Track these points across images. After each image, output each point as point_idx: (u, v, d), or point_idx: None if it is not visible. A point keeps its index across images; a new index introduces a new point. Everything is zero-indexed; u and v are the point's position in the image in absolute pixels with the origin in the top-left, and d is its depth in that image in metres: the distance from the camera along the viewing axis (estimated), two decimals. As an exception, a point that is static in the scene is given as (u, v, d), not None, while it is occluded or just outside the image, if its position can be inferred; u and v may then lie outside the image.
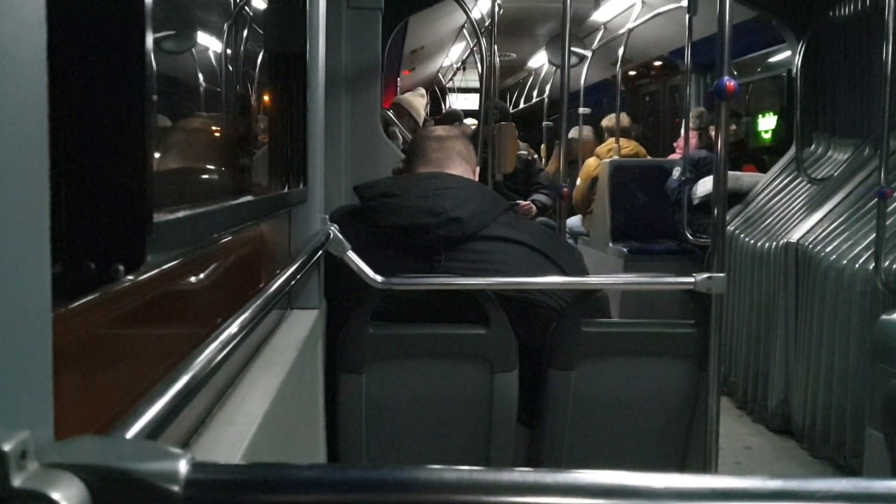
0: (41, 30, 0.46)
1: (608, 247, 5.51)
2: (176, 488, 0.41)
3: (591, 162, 6.32)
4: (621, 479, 0.45)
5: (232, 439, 0.92)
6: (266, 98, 1.48)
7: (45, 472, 0.40)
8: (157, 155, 0.78)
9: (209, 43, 1.10)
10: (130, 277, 0.73)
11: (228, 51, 1.16)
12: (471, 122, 6.26)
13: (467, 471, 0.44)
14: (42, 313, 0.46)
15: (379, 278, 1.79)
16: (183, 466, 0.42)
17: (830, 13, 4.27)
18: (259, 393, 1.09)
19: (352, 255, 1.79)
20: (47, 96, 0.47)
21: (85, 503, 0.40)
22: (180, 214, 0.76)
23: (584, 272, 2.06)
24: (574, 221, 6.39)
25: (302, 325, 1.55)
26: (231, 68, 1.18)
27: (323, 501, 0.43)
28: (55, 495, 0.38)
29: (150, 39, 0.60)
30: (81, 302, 0.63)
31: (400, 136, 4.53)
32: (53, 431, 0.46)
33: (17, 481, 0.38)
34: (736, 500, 0.46)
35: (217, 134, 1.14)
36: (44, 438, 0.44)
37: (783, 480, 0.47)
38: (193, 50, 1.03)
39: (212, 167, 1.09)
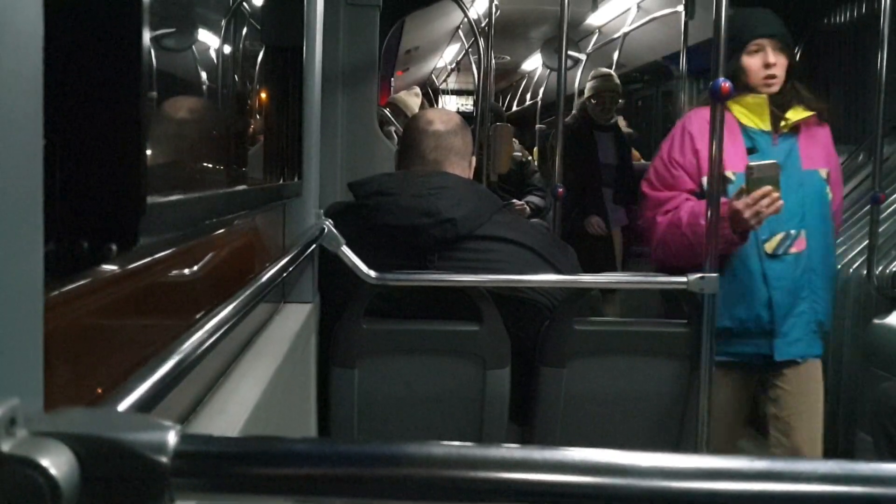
0: (37, 6, 0.46)
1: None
2: (164, 459, 0.42)
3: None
4: (608, 458, 0.46)
5: (222, 427, 0.92)
6: (263, 91, 1.48)
7: (34, 440, 0.40)
8: (153, 142, 0.78)
9: (207, 33, 1.10)
10: (125, 263, 0.73)
11: (226, 42, 1.17)
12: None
13: (455, 446, 0.44)
14: (34, 288, 0.47)
15: (373, 274, 1.79)
16: (172, 438, 0.42)
17: (826, 20, 4.29)
18: (251, 383, 1.09)
19: (346, 250, 1.79)
20: (42, 75, 0.47)
21: (73, 471, 0.40)
22: (174, 198, 0.76)
23: (577, 271, 2.06)
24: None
25: (295, 318, 1.55)
26: (228, 60, 1.18)
27: (312, 475, 0.44)
28: (43, 462, 0.38)
29: (146, 21, 0.61)
30: (77, 283, 0.63)
31: (395, 137, 4.53)
32: (43, 402, 0.46)
33: (5, 447, 0.38)
34: (722, 479, 0.46)
35: (213, 124, 1.15)
36: (33, 408, 0.44)
37: (769, 461, 0.47)
38: (192, 40, 1.03)
39: (207, 156, 1.09)
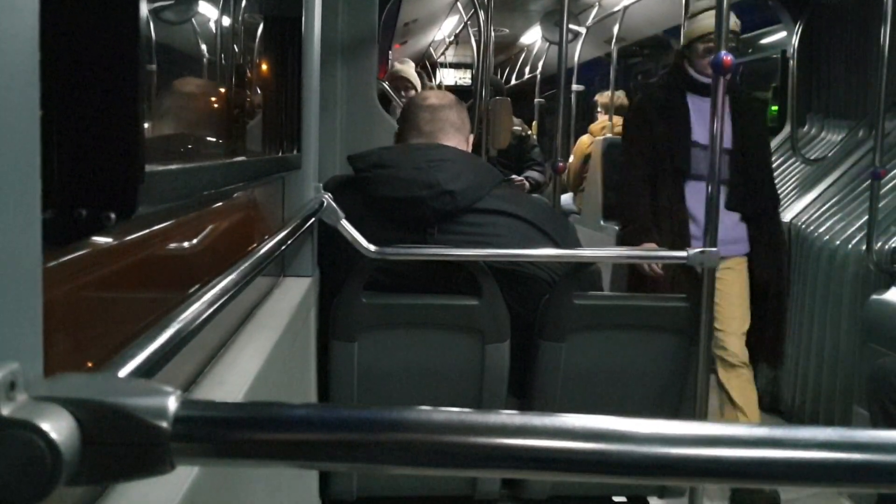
0: None
1: (599, 225, 5.50)
2: (164, 424, 0.42)
3: (585, 139, 6.30)
4: (609, 424, 0.46)
5: (222, 397, 0.92)
6: (262, 63, 1.47)
7: (34, 404, 0.40)
8: (151, 112, 0.77)
9: (205, 3, 1.09)
10: (125, 232, 0.73)
11: (224, 12, 1.16)
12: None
13: (456, 412, 0.44)
14: (33, 255, 0.46)
15: (372, 248, 1.79)
16: (172, 403, 0.42)
17: (827, -6, 4.26)
18: (251, 355, 1.09)
19: (345, 223, 1.79)
20: (39, 43, 0.46)
21: (73, 435, 0.40)
22: (173, 167, 0.75)
23: (577, 246, 2.06)
24: (565, 199, 6.37)
25: (295, 291, 1.55)
26: (227, 31, 1.17)
27: (312, 441, 0.44)
28: (44, 426, 0.38)
29: None
30: (76, 252, 0.63)
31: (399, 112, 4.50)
32: (43, 368, 0.46)
33: (5, 411, 0.38)
34: (722, 446, 0.46)
35: (212, 96, 1.14)
36: (33, 373, 0.44)
37: (769, 428, 0.47)
38: (190, 10, 1.02)
39: (206, 127, 1.09)
